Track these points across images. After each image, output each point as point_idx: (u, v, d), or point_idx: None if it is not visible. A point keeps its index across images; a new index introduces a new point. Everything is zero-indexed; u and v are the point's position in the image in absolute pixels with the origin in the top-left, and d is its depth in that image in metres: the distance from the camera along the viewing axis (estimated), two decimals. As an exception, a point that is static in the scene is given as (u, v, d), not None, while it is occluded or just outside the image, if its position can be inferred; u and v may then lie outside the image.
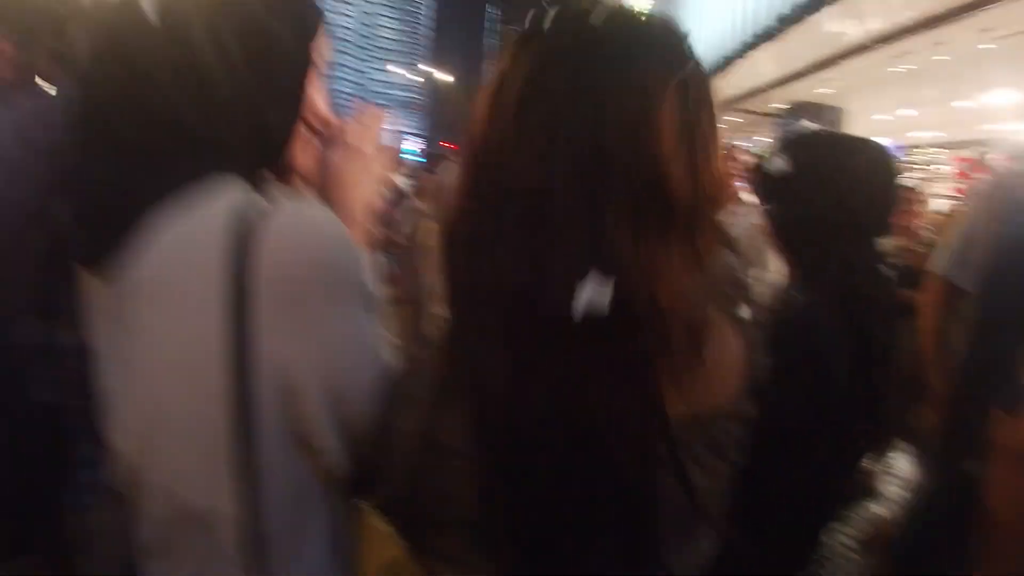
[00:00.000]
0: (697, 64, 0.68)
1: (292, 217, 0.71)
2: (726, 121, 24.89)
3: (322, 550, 0.78)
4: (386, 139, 1.01)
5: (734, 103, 21.27)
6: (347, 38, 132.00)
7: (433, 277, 3.33)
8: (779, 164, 1.44)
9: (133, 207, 0.71)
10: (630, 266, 0.60)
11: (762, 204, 1.55)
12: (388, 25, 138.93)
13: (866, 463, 1.62)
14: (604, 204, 0.60)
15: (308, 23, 0.85)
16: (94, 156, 0.75)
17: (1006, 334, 1.57)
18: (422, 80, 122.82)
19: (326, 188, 0.91)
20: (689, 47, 0.69)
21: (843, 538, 2.99)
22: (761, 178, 1.51)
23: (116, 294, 0.75)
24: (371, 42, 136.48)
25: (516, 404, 0.62)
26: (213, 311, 0.67)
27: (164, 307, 0.71)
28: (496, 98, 0.66)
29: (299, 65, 0.83)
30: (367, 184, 0.93)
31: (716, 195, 0.67)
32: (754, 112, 21.24)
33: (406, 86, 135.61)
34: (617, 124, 0.60)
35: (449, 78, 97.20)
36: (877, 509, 2.74)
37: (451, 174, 3.26)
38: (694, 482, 0.66)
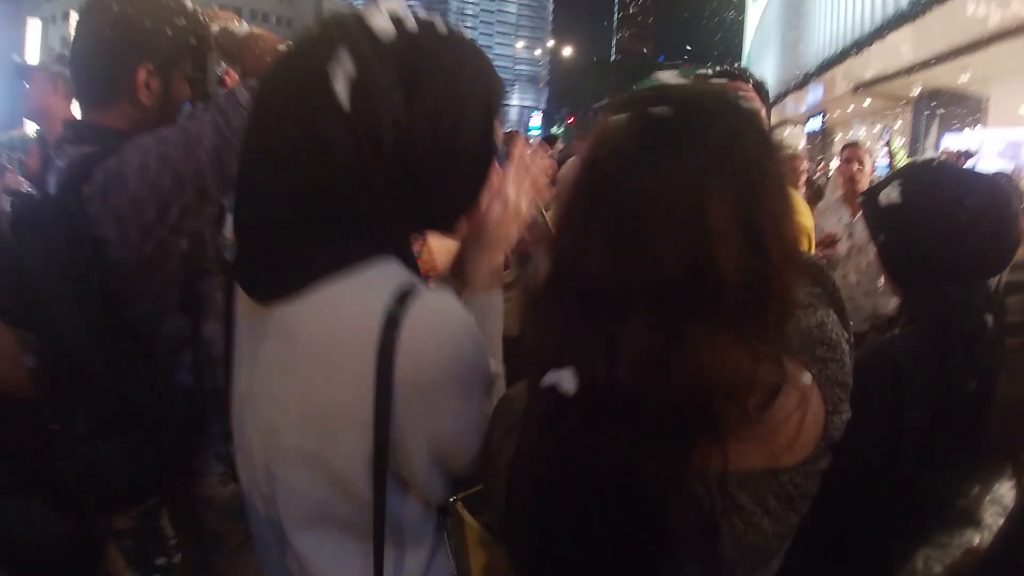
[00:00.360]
0: (759, 136, 0.70)
1: (428, 317, 0.78)
2: (860, 105, 23.61)
3: (430, 550, 0.93)
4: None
5: (869, 86, 20.15)
6: (473, 14, 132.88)
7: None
8: (890, 195, 1.36)
9: (303, 273, 0.79)
10: (671, 350, 0.63)
11: (872, 235, 1.48)
12: (512, 0, 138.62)
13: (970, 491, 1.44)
14: (651, 294, 0.64)
15: (494, 100, 0.87)
16: (269, 208, 0.80)
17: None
18: (545, 55, 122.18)
19: (477, 235, 1.00)
20: (755, 122, 0.71)
21: (936, 566, 3.18)
22: (872, 208, 1.43)
23: (272, 321, 0.84)
24: (496, 17, 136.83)
25: (568, 468, 0.69)
26: (363, 386, 0.77)
27: (316, 364, 0.80)
28: (572, 195, 0.73)
29: (484, 149, 0.87)
30: (514, 228, 1.02)
31: (785, 267, 0.68)
32: (888, 96, 20.00)
33: (531, 61, 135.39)
34: (665, 220, 0.64)
35: (570, 50, 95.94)
36: (974, 537, 2.77)
37: (574, 168, 3.21)
38: (761, 527, 0.73)
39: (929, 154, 16.54)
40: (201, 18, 1.43)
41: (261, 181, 0.82)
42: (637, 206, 0.65)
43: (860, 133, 26.90)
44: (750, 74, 2.52)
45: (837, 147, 29.67)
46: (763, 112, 1.63)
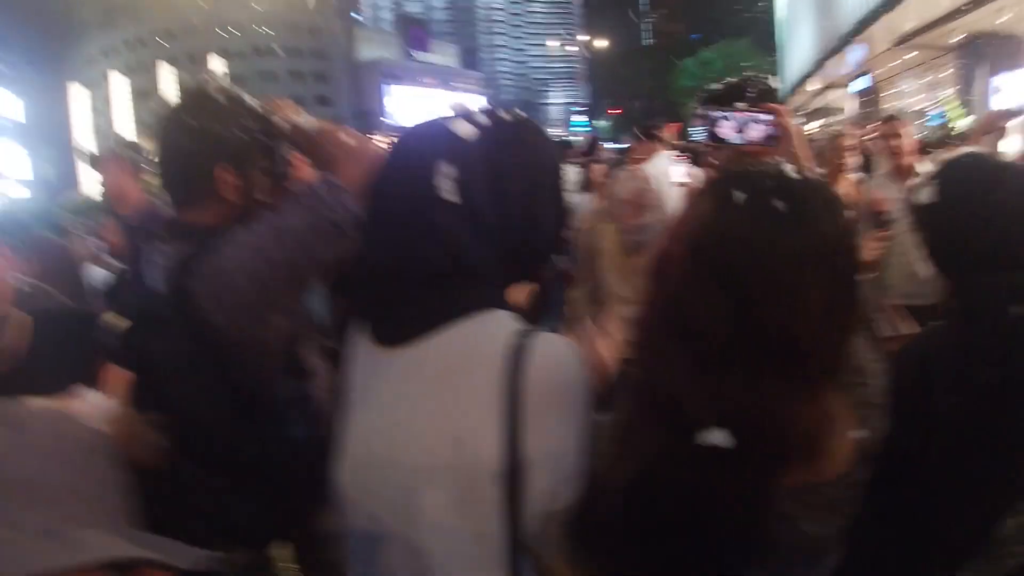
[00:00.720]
0: (848, 238, 0.87)
1: (549, 348, 0.95)
2: (902, 59, 22.84)
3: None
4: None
5: (911, 38, 19.53)
6: (500, 19, 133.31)
7: (611, 277, 3.42)
8: (926, 193, 1.42)
9: (431, 319, 0.97)
10: (755, 408, 0.81)
11: (915, 233, 1.53)
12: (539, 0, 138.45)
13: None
14: (742, 356, 0.81)
15: (558, 164, 1.09)
16: (398, 274, 0.99)
17: None
18: (579, 50, 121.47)
19: None
20: (844, 228, 0.87)
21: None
22: (911, 207, 1.50)
23: (396, 363, 1.00)
24: (523, 18, 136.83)
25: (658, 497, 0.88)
26: (493, 406, 0.91)
27: (447, 392, 0.95)
28: (679, 249, 0.87)
29: (559, 207, 1.08)
30: None
31: (842, 346, 0.86)
32: (932, 47, 19.35)
33: (565, 58, 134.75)
34: (764, 296, 0.80)
35: (604, 43, 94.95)
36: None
37: (627, 184, 3.28)
38: (811, 532, 0.90)
39: (981, 101, 15.96)
40: (265, 114, 1.59)
41: (389, 258, 1.01)
42: (760, 285, 0.81)
43: (910, 87, 26.02)
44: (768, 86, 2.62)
45: (885, 103, 28.79)
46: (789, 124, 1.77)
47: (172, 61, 60.68)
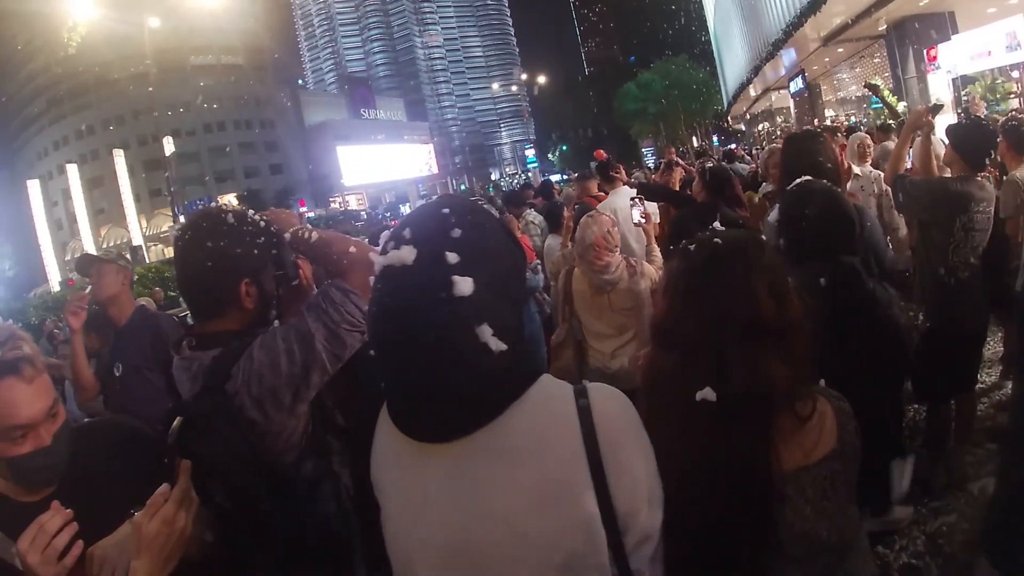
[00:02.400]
0: (780, 266, 1.28)
1: (607, 396, 1.07)
2: (835, 54, 23.73)
3: None
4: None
5: (838, 34, 20.37)
6: (441, 67, 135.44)
7: (586, 317, 3.60)
8: (773, 215, 2.44)
9: (501, 401, 1.02)
10: (748, 369, 1.17)
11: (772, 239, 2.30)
12: (475, 44, 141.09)
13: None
14: (732, 337, 1.18)
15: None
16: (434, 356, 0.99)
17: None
18: (521, 88, 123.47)
19: None
20: (774, 260, 1.28)
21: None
22: (767, 224, 2.34)
23: (453, 455, 1.03)
24: (464, 64, 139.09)
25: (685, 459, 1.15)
26: (580, 462, 1.00)
27: (530, 463, 1.00)
28: (674, 290, 1.27)
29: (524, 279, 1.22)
30: None
31: (795, 320, 1.23)
32: (860, 38, 20.19)
33: (510, 97, 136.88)
34: (739, 304, 1.19)
35: (545, 79, 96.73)
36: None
37: (591, 228, 3.36)
38: (805, 513, 1.20)
39: (919, 78, 16.64)
40: (273, 228, 1.80)
41: (420, 369, 1.01)
42: (720, 298, 1.20)
43: (846, 79, 26.99)
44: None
45: (826, 96, 29.70)
46: None
47: (124, 146, 60.49)
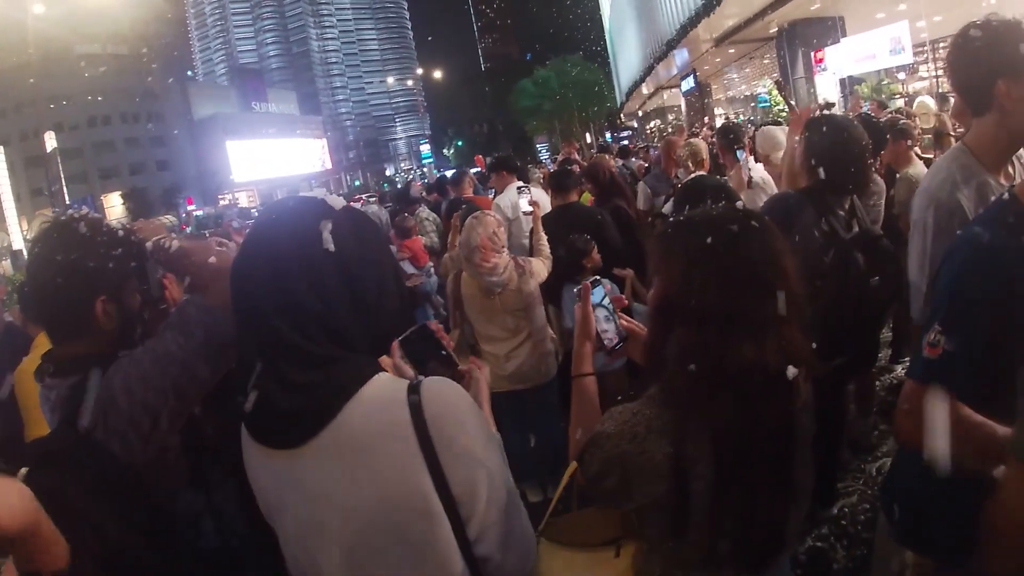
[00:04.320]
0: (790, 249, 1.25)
1: (438, 390, 1.09)
2: (727, 54, 24.60)
3: None
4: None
5: (730, 35, 21.09)
6: (336, 60, 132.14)
7: (477, 320, 3.56)
8: (667, 208, 2.42)
9: (334, 404, 1.05)
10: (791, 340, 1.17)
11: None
12: (371, 37, 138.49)
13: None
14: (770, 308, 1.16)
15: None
16: (283, 360, 1.06)
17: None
18: (417, 82, 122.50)
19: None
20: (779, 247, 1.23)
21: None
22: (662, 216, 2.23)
23: (305, 455, 1.06)
24: (360, 58, 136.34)
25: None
26: (415, 457, 1.03)
27: (370, 463, 1.04)
28: (691, 264, 1.20)
29: (402, 287, 1.23)
30: None
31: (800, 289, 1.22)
32: (751, 40, 20.99)
33: (406, 92, 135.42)
34: (772, 276, 1.18)
35: (441, 74, 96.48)
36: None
37: (476, 230, 3.32)
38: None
39: (806, 78, 17.44)
40: (134, 239, 1.64)
41: (268, 320, 1.05)
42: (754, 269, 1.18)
43: (736, 78, 28.09)
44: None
45: (716, 95, 30.87)
46: None
47: (4, 142, 55.31)
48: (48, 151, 28.44)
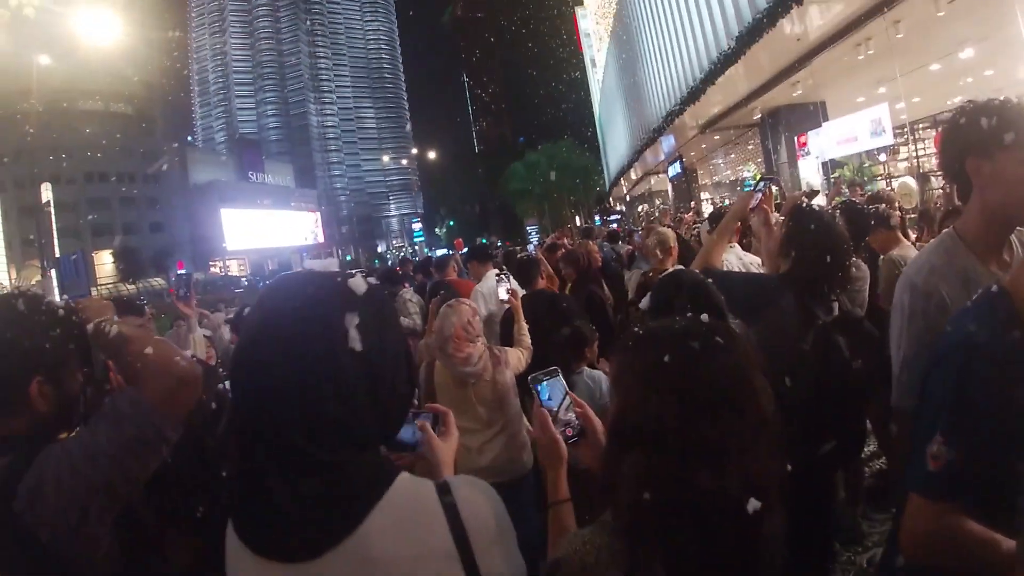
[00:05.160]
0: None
1: (469, 490, 1.05)
2: (712, 140, 25.21)
3: None
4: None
5: (715, 122, 21.63)
6: (333, 136, 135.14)
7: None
8: (644, 302, 2.26)
9: (359, 511, 0.97)
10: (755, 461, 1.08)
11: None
12: (369, 116, 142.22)
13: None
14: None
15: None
16: (294, 468, 0.96)
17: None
18: (412, 162, 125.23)
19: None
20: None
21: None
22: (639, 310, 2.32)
23: (308, 573, 0.96)
24: (357, 135, 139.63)
25: None
26: (454, 564, 0.97)
27: (399, 572, 0.95)
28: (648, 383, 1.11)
29: (412, 372, 1.13)
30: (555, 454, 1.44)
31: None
32: (736, 126, 21.53)
33: (400, 170, 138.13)
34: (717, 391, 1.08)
35: (435, 154, 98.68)
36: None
37: (451, 319, 3.26)
38: None
39: (789, 162, 17.77)
40: (75, 319, 1.59)
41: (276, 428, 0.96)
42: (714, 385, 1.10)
43: (721, 163, 28.72)
44: None
45: (702, 180, 31.51)
46: None
47: (0, 188, 55.45)
48: (43, 202, 28.36)
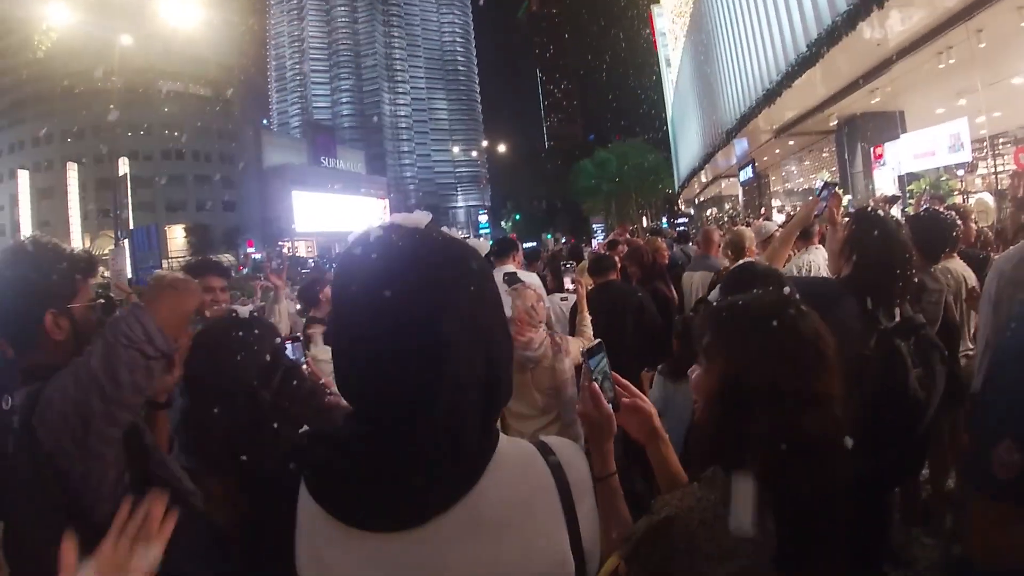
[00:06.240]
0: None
1: (565, 447, 1.07)
2: (786, 146, 24.57)
3: None
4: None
5: (789, 127, 21.07)
6: (405, 126, 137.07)
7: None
8: (714, 294, 2.24)
9: (474, 473, 0.94)
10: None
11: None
12: (442, 107, 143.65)
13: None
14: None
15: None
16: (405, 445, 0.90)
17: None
18: (482, 154, 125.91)
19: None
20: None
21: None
22: (709, 304, 2.08)
23: (410, 542, 0.90)
24: (429, 125, 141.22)
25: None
26: (560, 521, 0.98)
27: (514, 532, 0.94)
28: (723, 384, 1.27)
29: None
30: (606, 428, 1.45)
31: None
32: (811, 132, 20.93)
33: (469, 162, 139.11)
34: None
35: (504, 147, 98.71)
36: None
37: (515, 302, 3.31)
38: None
39: (864, 173, 17.20)
40: (83, 253, 1.78)
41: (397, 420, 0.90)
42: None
43: (794, 170, 27.94)
44: None
45: (774, 187, 30.73)
46: None
47: (79, 160, 58.53)
48: (120, 175, 29.70)
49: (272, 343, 1.85)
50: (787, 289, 1.37)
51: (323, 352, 3.87)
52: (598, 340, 1.55)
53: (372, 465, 0.90)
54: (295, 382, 1.82)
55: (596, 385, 1.43)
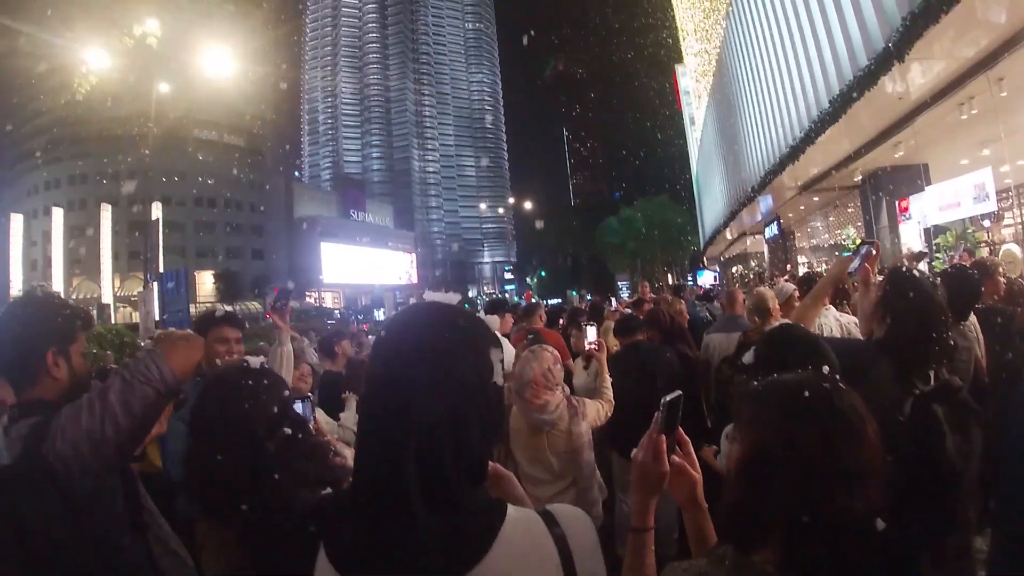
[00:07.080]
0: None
1: (570, 515, 1.11)
2: (811, 201, 24.52)
3: None
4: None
5: (815, 183, 21.07)
6: (434, 181, 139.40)
7: (521, 458, 3.39)
8: (748, 356, 2.11)
9: (486, 540, 1.00)
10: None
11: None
12: (470, 164, 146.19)
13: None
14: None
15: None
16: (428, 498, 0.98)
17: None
18: (508, 211, 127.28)
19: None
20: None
21: None
22: (742, 365, 2.16)
23: None
24: (456, 181, 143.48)
25: None
26: None
27: None
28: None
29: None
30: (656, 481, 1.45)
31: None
32: (835, 188, 20.88)
33: (496, 218, 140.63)
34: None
35: (530, 204, 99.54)
36: None
37: (531, 363, 3.23)
38: None
39: (889, 227, 17.03)
40: (82, 308, 2.02)
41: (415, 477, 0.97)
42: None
43: (819, 226, 27.80)
44: None
45: (800, 243, 30.52)
46: None
47: (113, 201, 60.33)
48: (152, 219, 30.48)
49: (280, 395, 1.88)
50: (826, 368, 1.33)
51: (352, 419, 3.81)
52: (678, 392, 1.49)
53: (389, 541, 0.97)
54: (300, 435, 1.85)
55: (664, 439, 1.42)
